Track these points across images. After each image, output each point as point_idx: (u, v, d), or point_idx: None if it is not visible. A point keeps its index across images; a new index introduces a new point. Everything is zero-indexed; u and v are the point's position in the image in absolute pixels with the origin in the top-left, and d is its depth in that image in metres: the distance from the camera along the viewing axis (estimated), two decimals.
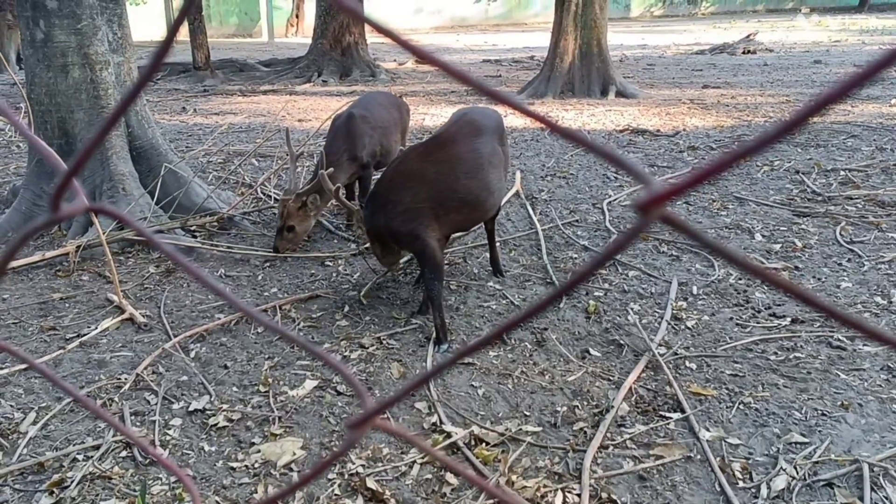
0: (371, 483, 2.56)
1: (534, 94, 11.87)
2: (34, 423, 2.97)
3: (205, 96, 13.00)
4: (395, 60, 17.50)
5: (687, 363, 3.37)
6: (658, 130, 8.82)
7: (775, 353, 3.43)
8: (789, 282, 0.37)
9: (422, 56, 0.41)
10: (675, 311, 3.86)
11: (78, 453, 2.77)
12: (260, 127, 9.68)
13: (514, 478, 2.61)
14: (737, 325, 3.74)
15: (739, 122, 9.10)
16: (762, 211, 5.54)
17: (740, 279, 4.25)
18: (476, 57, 19.46)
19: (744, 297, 4.04)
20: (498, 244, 4.56)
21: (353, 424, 0.43)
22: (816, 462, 2.65)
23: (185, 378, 3.33)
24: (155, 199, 5.26)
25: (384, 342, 3.63)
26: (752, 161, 7.06)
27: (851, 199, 5.66)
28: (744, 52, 18.11)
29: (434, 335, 3.63)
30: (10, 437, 2.88)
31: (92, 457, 2.73)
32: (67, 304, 4.13)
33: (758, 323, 3.74)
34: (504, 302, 4.05)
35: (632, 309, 3.91)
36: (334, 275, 4.52)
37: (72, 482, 2.57)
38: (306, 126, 9.64)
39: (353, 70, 15.52)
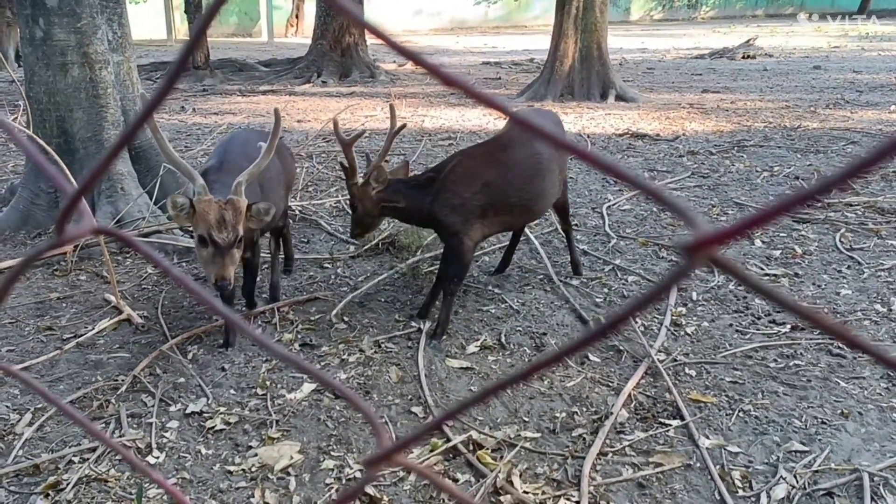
0: (369, 489, 2.54)
1: (533, 96, 11.86)
2: (30, 424, 2.95)
3: (204, 96, 12.98)
4: (394, 62, 17.49)
5: (686, 370, 3.36)
6: (658, 135, 8.81)
7: (775, 361, 3.42)
8: (846, 328, 0.36)
9: (412, 59, 0.40)
10: (674, 317, 3.85)
11: (74, 455, 2.75)
12: (259, 127, 9.65)
13: (515, 480, 2.59)
14: (736, 331, 3.73)
15: (739, 127, 9.10)
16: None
17: (740, 286, 4.24)
18: (475, 59, 19.46)
19: (743, 303, 4.03)
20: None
21: (369, 462, 0.41)
22: (816, 471, 2.64)
23: (182, 380, 3.31)
24: (153, 198, 5.24)
25: (382, 346, 3.61)
26: (753, 167, 7.06)
27: (851, 205, 5.66)
28: (743, 57, 18.13)
29: (434, 327, 3.68)
30: (5, 439, 2.86)
31: (88, 459, 2.71)
32: (64, 304, 4.11)
33: (757, 329, 3.74)
34: (503, 306, 4.04)
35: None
36: (333, 277, 4.51)
37: (67, 485, 2.55)
38: (305, 127, 9.63)
39: (352, 71, 15.51)
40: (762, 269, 4.49)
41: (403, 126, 3.85)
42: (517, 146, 3.71)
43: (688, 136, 8.75)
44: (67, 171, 4.08)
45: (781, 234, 5.10)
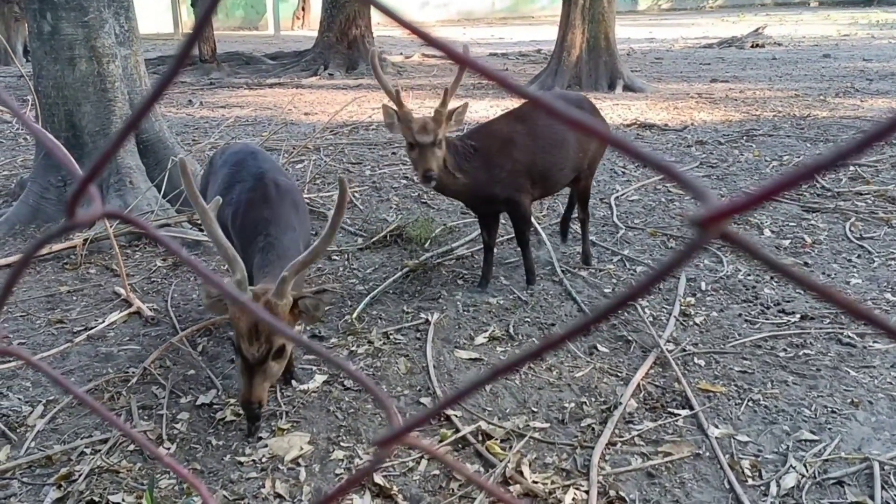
0: (379, 479, 2.55)
1: (541, 87, 11.82)
2: (42, 416, 2.97)
3: (211, 89, 13.00)
4: (401, 54, 17.46)
5: (695, 359, 3.36)
6: (666, 125, 8.77)
7: (785, 350, 3.41)
8: (871, 311, 0.36)
9: (432, 43, 0.40)
10: (683, 307, 3.84)
11: (86, 447, 2.77)
12: (266, 120, 9.66)
13: (524, 470, 2.60)
14: (746, 321, 3.71)
15: (748, 117, 9.04)
16: (771, 206, 5.50)
17: (749, 275, 4.23)
18: (482, 51, 19.39)
19: (753, 293, 4.01)
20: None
21: (381, 442, 0.42)
22: (826, 460, 2.63)
23: (192, 372, 3.32)
24: (162, 192, 5.26)
25: (391, 337, 3.62)
26: (762, 157, 7.02)
27: (861, 194, 5.62)
28: (752, 46, 17.99)
29: (526, 275, 4.16)
30: (17, 431, 2.88)
31: (100, 450, 2.73)
32: (75, 298, 4.14)
33: (767, 319, 3.72)
34: (511, 297, 4.04)
35: (640, 305, 3.89)
36: (341, 269, 4.52)
37: (80, 476, 2.57)
38: (312, 119, 9.63)
39: (359, 63, 15.47)
40: None
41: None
42: (532, 118, 3.94)
43: (696, 125, 8.70)
44: (77, 166, 4.09)
45: (791, 224, 5.07)
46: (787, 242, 4.72)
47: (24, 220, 5.24)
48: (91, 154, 5.16)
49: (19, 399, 3.10)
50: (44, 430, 2.89)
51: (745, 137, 7.87)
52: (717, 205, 0.34)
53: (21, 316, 3.88)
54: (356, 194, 5.98)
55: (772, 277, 4.18)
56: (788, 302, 3.88)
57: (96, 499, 2.47)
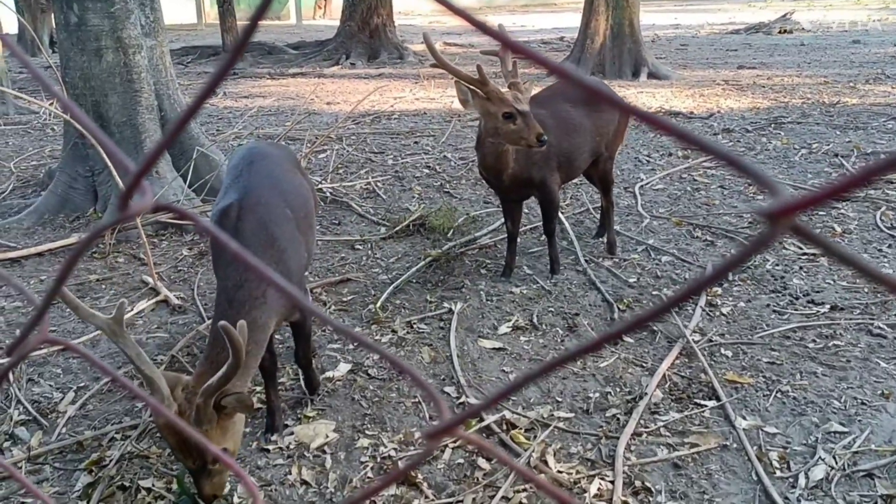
0: (404, 466, 2.56)
1: None
2: (73, 402, 3.03)
3: (234, 79, 13.06)
4: (423, 42, 17.40)
5: (722, 350, 3.32)
6: (691, 112, 8.66)
7: (814, 341, 3.37)
8: None
9: (488, 33, 0.39)
10: (709, 298, 3.80)
11: (116, 433, 2.82)
12: (289, 110, 9.70)
13: (549, 460, 2.60)
14: (774, 311, 3.67)
15: (776, 104, 8.90)
16: (799, 195, 5.39)
17: (777, 265, 4.17)
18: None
19: (781, 283, 3.96)
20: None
21: (430, 435, 0.41)
22: (856, 452, 2.60)
23: None
24: (187, 182, 5.31)
25: (415, 326, 3.63)
26: (790, 144, 6.92)
27: (892, 182, 5.51)
28: (780, 32, 17.70)
29: (550, 264, 4.16)
30: (49, 417, 2.93)
31: (130, 436, 2.77)
32: (104, 286, 4.20)
33: (796, 310, 3.67)
34: (535, 287, 4.02)
35: (665, 295, 3.86)
36: (364, 258, 4.53)
37: (110, 461, 2.62)
38: (335, 109, 9.64)
39: (381, 52, 15.46)
40: (801, 247, 4.41)
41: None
42: (552, 103, 3.96)
43: (723, 113, 8.58)
44: (105, 156, 4.14)
45: (820, 213, 4.99)
46: (816, 232, 4.64)
47: (52, 209, 5.32)
48: (118, 144, 5.17)
49: (50, 385, 3.16)
50: (75, 416, 2.94)
51: (772, 125, 7.76)
52: (789, 199, 0.34)
53: (53, 304, 3.93)
54: (379, 183, 5.99)
55: (801, 268, 4.12)
56: (818, 292, 3.83)
57: (126, 484, 2.51)
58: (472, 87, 3.53)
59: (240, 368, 2.08)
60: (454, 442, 2.72)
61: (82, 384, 3.17)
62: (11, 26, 21.21)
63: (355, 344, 3.48)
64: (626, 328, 0.41)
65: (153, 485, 2.52)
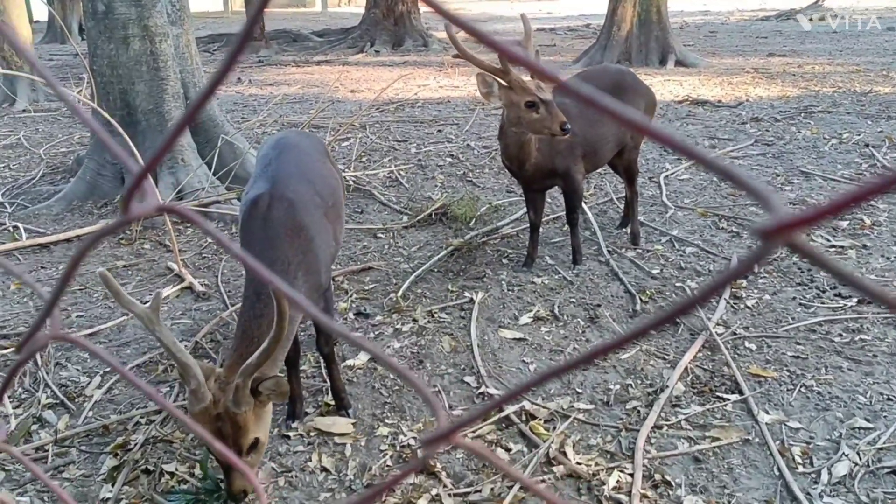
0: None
1: (589, 63, 11.61)
2: (99, 386, 3.08)
3: (260, 67, 13.13)
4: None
5: (746, 343, 3.28)
6: (719, 101, 8.54)
7: (840, 335, 3.31)
8: None
9: (466, 29, 0.38)
10: (734, 290, 3.76)
11: (141, 417, 2.86)
12: (313, 98, 9.73)
13: (568, 451, 2.59)
14: (800, 304, 3.62)
15: (806, 92, 8.74)
16: (829, 186, 5.33)
17: (804, 257, 4.10)
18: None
19: (808, 275, 3.90)
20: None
21: (427, 442, 0.41)
22: (881, 448, 2.56)
23: None
24: (212, 169, 5.35)
25: (436, 315, 3.63)
26: (820, 134, 6.79)
27: None
28: (811, 20, 17.34)
29: (573, 255, 4.14)
30: (76, 401, 2.99)
31: (154, 421, 2.81)
32: (130, 272, 4.26)
33: (822, 303, 3.62)
34: (557, 277, 4.00)
35: (689, 286, 3.83)
36: (386, 247, 4.54)
37: (135, 445, 2.66)
38: (359, 97, 9.65)
39: (405, 40, 15.44)
40: (829, 240, 4.33)
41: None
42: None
43: (751, 101, 8.45)
44: (131, 144, 4.19)
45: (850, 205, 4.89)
46: (844, 224, 4.56)
47: (81, 196, 5.40)
48: (145, 132, 5.28)
49: (77, 370, 3.22)
50: (101, 400, 2.99)
51: (802, 114, 7.62)
52: (783, 216, 0.33)
53: (79, 289, 4.01)
54: (402, 172, 5.99)
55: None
56: (845, 285, 3.76)
57: (150, 468, 2.56)
58: (494, 76, 3.51)
59: (281, 342, 2.08)
60: (473, 431, 2.73)
61: (108, 369, 3.22)
62: (42, 13, 21.50)
63: (376, 333, 3.50)
64: (617, 343, 0.40)
65: (176, 469, 2.56)
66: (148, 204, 0.43)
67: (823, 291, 3.72)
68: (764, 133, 6.97)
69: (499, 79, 3.51)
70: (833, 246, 4.25)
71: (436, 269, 4.16)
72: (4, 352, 3.32)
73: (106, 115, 4.43)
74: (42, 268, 4.33)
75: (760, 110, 7.93)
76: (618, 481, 2.46)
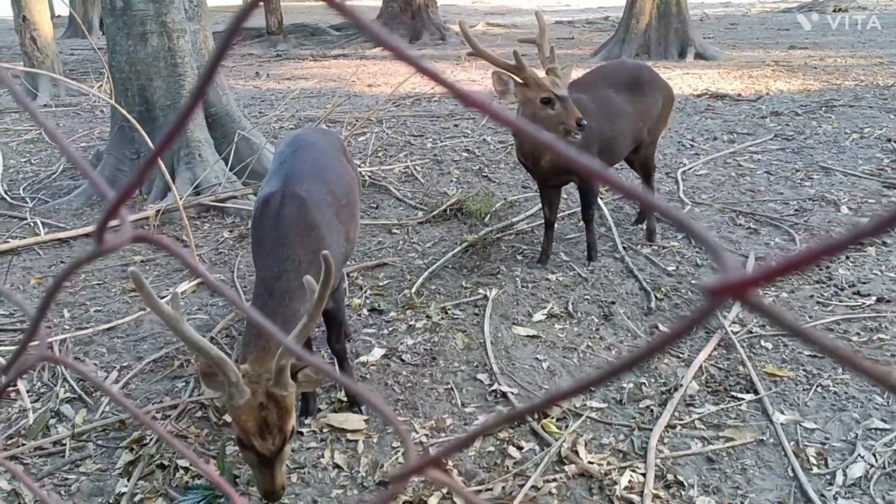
0: (434, 453, 2.58)
1: (607, 56, 11.53)
2: (116, 381, 3.12)
3: (277, 61, 13.17)
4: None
5: (762, 342, 3.25)
6: (739, 95, 8.44)
7: (858, 334, 3.27)
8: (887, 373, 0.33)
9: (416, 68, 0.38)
10: None
11: (157, 412, 2.90)
12: (330, 92, 9.75)
13: (580, 450, 2.59)
14: (818, 302, 3.58)
15: (828, 86, 8.62)
16: (849, 182, 5.26)
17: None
18: (548, 18, 18.98)
19: (826, 273, 3.85)
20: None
21: (396, 478, 0.41)
22: None
23: None
24: (229, 165, 5.39)
25: (449, 312, 3.64)
26: (841, 128, 6.69)
27: None
28: (835, 11, 17.08)
29: (588, 251, 4.11)
30: (93, 395, 3.03)
31: (170, 416, 2.85)
32: (147, 267, 4.30)
33: (840, 301, 3.57)
34: (571, 274, 3.99)
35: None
36: (401, 242, 4.54)
37: (150, 440, 2.69)
38: (375, 91, 9.66)
39: (422, 33, 15.42)
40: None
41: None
42: (595, 88, 3.95)
43: (772, 95, 8.35)
44: (148, 140, 4.23)
45: (870, 201, 4.83)
46: (865, 220, 4.50)
47: (100, 191, 5.45)
48: (163, 128, 5.32)
49: (95, 364, 3.26)
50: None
51: (823, 108, 7.52)
52: (734, 274, 0.32)
53: (98, 284, 4.06)
54: (417, 167, 5.99)
55: (847, 258, 4.00)
56: (864, 283, 3.72)
57: (165, 462, 2.59)
58: (508, 73, 3.50)
59: (317, 316, 2.09)
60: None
61: (126, 363, 3.26)
62: (64, 9, 21.65)
63: (390, 329, 3.51)
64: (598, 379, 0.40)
65: (191, 464, 2.58)
66: (123, 234, 0.43)
67: (842, 289, 3.68)
68: (784, 127, 6.88)
69: (514, 76, 3.51)
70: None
71: (450, 266, 4.16)
72: None
73: (124, 111, 4.47)
74: (61, 262, 4.39)
75: (781, 104, 7.84)
76: (630, 481, 2.45)
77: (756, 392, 2.88)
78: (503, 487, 2.45)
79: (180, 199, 4.43)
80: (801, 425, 2.69)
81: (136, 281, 1.90)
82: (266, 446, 2.12)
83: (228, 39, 0.39)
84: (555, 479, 2.47)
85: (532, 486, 2.43)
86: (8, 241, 4.51)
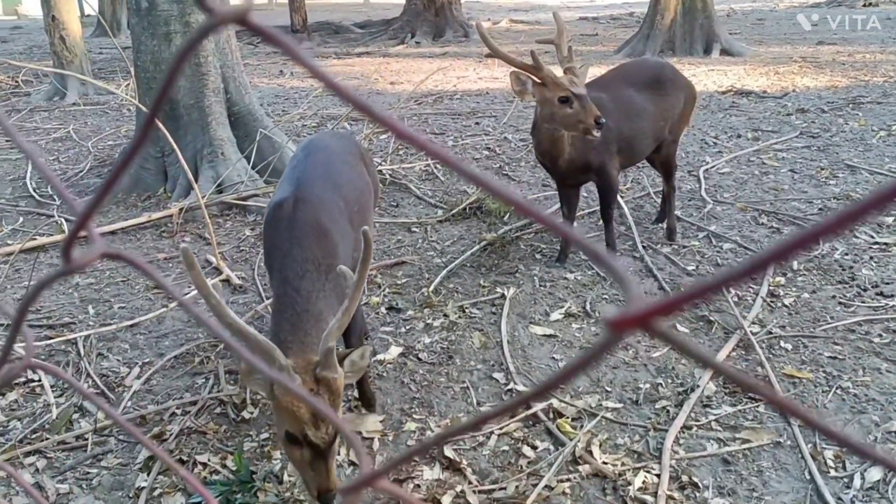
0: (449, 452, 2.60)
1: (631, 53, 11.44)
2: (138, 377, 3.18)
3: None
4: (489, 19, 17.24)
5: (782, 343, 3.22)
6: (764, 91, 8.34)
7: (880, 336, 3.23)
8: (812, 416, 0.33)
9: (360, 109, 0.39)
10: (771, 288, 3.68)
11: (177, 408, 2.94)
12: (353, 90, 9.78)
13: (594, 450, 2.58)
14: (839, 303, 3.53)
15: (856, 83, 8.47)
16: (875, 180, 5.17)
17: (846, 254, 4.00)
18: (572, 14, 18.90)
19: (849, 273, 3.80)
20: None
21: (346, 490, 0.43)
22: None
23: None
24: (251, 163, 5.44)
25: (467, 311, 3.65)
26: (868, 126, 6.58)
27: None
28: (864, 6, 16.76)
29: (606, 247, 4.04)
30: (116, 391, 3.09)
31: (189, 412, 2.89)
32: (171, 264, 4.37)
33: (863, 302, 3.52)
34: (590, 273, 3.98)
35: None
36: (420, 241, 4.56)
37: (170, 435, 2.74)
38: (398, 89, 9.68)
39: (446, 31, 15.42)
40: (872, 236, 4.21)
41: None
42: (614, 87, 3.94)
43: (798, 92, 8.23)
44: (171, 139, 4.29)
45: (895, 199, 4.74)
46: (890, 220, 4.42)
47: (126, 188, 5.54)
48: (186, 126, 5.39)
49: (118, 360, 3.32)
50: (139, 391, 3.08)
51: (850, 105, 7.39)
52: (637, 307, 0.32)
53: (122, 281, 4.13)
54: (437, 165, 6.00)
55: (871, 258, 3.94)
56: (887, 284, 3.66)
57: (184, 458, 2.63)
58: (526, 72, 3.50)
59: (358, 297, 2.12)
60: (500, 429, 2.74)
61: (147, 360, 3.32)
62: (93, 7, 21.98)
63: (407, 328, 3.53)
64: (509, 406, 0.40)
65: (209, 460, 2.63)
66: (93, 250, 0.45)
67: (864, 290, 3.63)
68: (810, 125, 6.78)
69: (532, 76, 3.51)
70: (877, 243, 4.12)
71: (468, 264, 4.17)
72: (50, 342, 3.44)
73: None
74: None
75: (807, 101, 7.72)
76: (644, 482, 2.44)
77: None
78: (517, 487, 2.46)
79: (203, 197, 4.49)
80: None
81: (187, 259, 1.96)
82: (320, 435, 2.07)
83: (185, 55, 0.40)
84: (568, 479, 2.47)
85: (545, 486, 2.44)
86: (35, 238, 4.60)
